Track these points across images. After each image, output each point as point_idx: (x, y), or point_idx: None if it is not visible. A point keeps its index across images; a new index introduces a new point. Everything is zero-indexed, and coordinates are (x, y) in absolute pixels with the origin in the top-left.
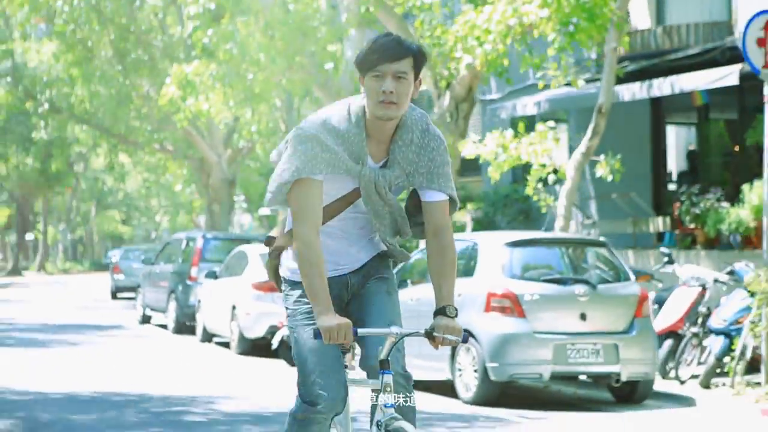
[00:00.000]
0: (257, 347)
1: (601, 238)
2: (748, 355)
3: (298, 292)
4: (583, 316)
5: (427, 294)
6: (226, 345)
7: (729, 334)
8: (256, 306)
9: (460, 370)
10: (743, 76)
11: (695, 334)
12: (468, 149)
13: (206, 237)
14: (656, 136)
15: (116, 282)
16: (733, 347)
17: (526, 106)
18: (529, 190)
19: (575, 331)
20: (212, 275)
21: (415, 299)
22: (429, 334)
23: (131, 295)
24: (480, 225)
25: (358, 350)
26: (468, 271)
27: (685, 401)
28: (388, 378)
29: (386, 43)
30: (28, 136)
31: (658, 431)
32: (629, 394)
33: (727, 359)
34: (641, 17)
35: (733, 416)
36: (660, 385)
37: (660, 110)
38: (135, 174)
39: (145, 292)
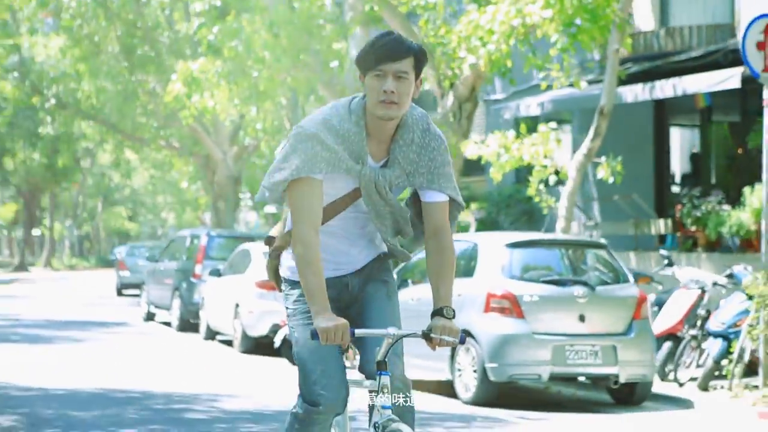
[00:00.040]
0: (260, 345)
1: (602, 240)
2: (746, 358)
3: (297, 292)
4: (581, 318)
5: (428, 294)
6: (230, 343)
7: (727, 337)
8: (259, 304)
9: (459, 370)
10: (745, 79)
11: (694, 337)
12: (470, 150)
13: (210, 234)
14: (659, 138)
15: (121, 279)
16: (731, 350)
17: (530, 106)
18: (530, 191)
19: (574, 332)
20: (216, 273)
21: (416, 299)
22: (426, 335)
23: (136, 292)
24: (483, 225)
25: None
26: (468, 272)
27: (683, 403)
28: (386, 379)
29: (387, 42)
30: (34, 131)
31: None
32: (628, 396)
33: (725, 362)
34: (645, 19)
35: (731, 419)
36: (659, 387)
37: (663, 112)
38: (141, 170)
39: (150, 290)
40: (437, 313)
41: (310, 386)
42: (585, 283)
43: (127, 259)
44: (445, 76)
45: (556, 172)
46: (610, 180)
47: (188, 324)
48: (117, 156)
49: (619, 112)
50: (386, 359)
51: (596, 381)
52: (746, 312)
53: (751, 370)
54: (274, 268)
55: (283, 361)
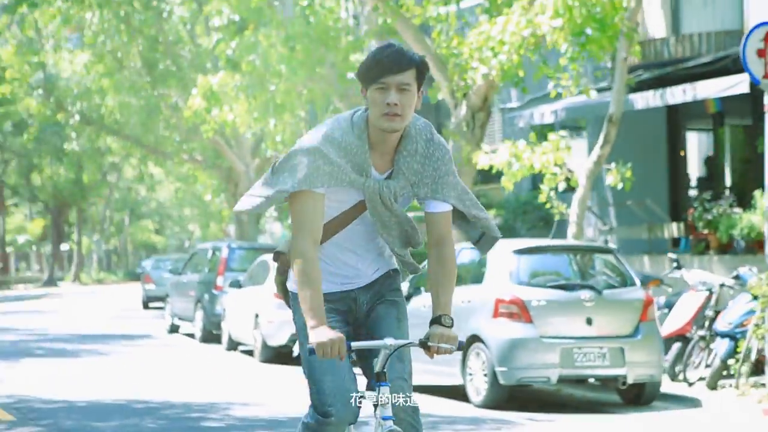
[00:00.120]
0: (280, 355)
1: (611, 245)
2: (753, 356)
3: None
4: (589, 321)
5: None
6: (251, 353)
7: (734, 337)
8: (278, 314)
9: (470, 374)
10: (754, 84)
11: (702, 337)
12: (481, 160)
13: (231, 247)
14: (673, 143)
15: (147, 292)
16: (738, 349)
17: (544, 114)
18: (542, 198)
19: (582, 335)
20: (236, 284)
21: (428, 306)
22: (423, 344)
23: (162, 304)
24: (500, 232)
25: None
26: (477, 279)
27: (691, 402)
28: (385, 390)
29: (389, 54)
30: (61, 147)
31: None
32: (637, 397)
33: (732, 361)
34: (658, 27)
35: (737, 417)
36: (669, 387)
37: (677, 117)
38: (167, 184)
39: (173, 302)
40: (435, 321)
41: (322, 398)
42: (592, 287)
43: (152, 273)
44: (458, 86)
45: (567, 180)
46: (619, 186)
47: (211, 335)
48: (140, 170)
49: (633, 118)
50: (385, 370)
51: (605, 382)
52: (752, 312)
53: (757, 368)
54: (281, 283)
55: (301, 370)
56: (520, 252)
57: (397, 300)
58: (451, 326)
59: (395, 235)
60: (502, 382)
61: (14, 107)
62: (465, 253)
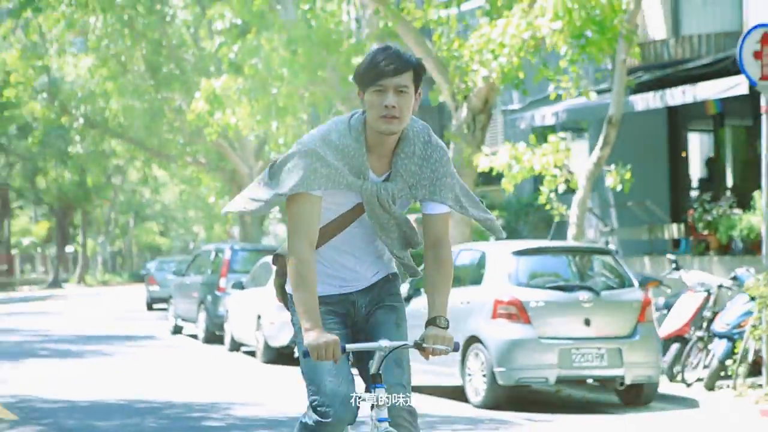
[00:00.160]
0: (282, 356)
1: (612, 246)
2: (750, 357)
3: None
4: (587, 322)
5: None
6: (253, 354)
7: (732, 338)
8: (280, 315)
9: (469, 375)
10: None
11: (700, 338)
12: (482, 162)
13: (234, 248)
14: (673, 144)
15: (151, 293)
16: (735, 350)
17: (545, 116)
18: (541, 200)
19: (580, 336)
20: (239, 286)
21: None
22: (419, 345)
23: (166, 306)
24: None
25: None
26: (476, 280)
27: (688, 403)
28: (381, 392)
29: (386, 57)
30: (65, 150)
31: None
32: (635, 397)
33: (729, 362)
34: (657, 28)
35: (734, 417)
36: (667, 387)
37: (677, 119)
38: (172, 186)
39: (177, 303)
40: (431, 322)
41: (320, 399)
42: (590, 289)
43: (156, 274)
44: (459, 89)
45: (567, 181)
46: (619, 188)
47: (214, 336)
48: (145, 173)
49: (634, 120)
50: (380, 372)
51: (603, 383)
52: (749, 313)
53: (755, 369)
54: (281, 286)
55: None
56: (519, 253)
57: (396, 305)
58: (447, 328)
59: (394, 238)
60: (500, 382)
61: (19, 111)
62: (464, 254)
